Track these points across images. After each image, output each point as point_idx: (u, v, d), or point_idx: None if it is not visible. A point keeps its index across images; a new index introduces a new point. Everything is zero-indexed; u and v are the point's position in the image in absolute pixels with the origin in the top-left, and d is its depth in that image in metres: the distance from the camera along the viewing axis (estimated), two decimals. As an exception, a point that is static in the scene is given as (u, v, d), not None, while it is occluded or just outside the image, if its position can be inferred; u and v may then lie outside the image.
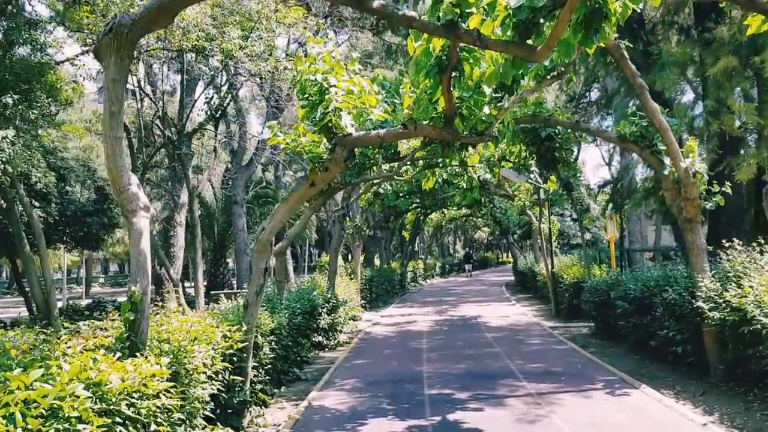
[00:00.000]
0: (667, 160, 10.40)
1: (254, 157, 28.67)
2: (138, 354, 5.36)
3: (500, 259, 76.16)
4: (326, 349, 14.65)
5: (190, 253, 19.76)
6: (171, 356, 5.62)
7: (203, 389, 6.16)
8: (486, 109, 8.43)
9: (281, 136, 8.37)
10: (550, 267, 19.59)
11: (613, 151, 58.03)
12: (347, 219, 23.69)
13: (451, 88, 8.01)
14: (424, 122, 8.46)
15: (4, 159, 12.45)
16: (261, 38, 15.13)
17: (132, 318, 5.51)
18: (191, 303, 18.96)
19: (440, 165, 19.57)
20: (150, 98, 16.35)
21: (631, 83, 9.81)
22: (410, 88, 8.96)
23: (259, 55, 15.10)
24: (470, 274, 49.04)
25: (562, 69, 8.83)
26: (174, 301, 16.76)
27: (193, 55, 16.12)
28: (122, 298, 30.31)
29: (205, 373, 6.25)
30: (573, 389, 9.60)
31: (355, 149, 9.56)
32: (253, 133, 29.82)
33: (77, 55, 17.66)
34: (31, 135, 14.14)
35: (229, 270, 36.71)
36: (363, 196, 25.04)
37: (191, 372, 5.86)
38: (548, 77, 9.04)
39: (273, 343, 10.12)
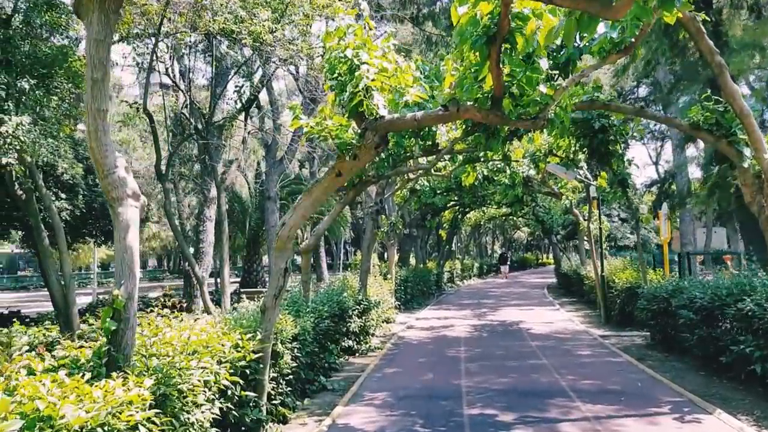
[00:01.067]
0: (747, 151, 9.07)
1: (287, 154, 27.85)
2: (118, 373, 4.38)
3: (540, 261, 74.23)
4: (357, 355, 13.63)
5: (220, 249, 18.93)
6: (159, 374, 4.62)
7: (203, 413, 5.15)
8: (541, 88, 7.25)
9: (304, 119, 7.33)
10: (600, 270, 18.20)
11: (661, 149, 55.94)
12: (381, 215, 22.66)
13: (501, 64, 6.91)
14: (468, 103, 7.33)
15: (17, 147, 11.72)
16: (293, 22, 14.19)
17: (113, 328, 4.53)
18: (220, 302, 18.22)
19: (481, 159, 18.43)
20: (176, 85, 15.54)
21: (709, 61, 8.51)
22: (452, 65, 7.85)
23: (290, 41, 14.16)
24: (506, 277, 46.91)
25: (632, 41, 7.58)
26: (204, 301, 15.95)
27: (223, 41, 15.26)
28: (154, 294, 29.86)
29: (205, 392, 5.24)
30: (635, 413, 8.36)
31: (389, 135, 8.50)
32: (287, 127, 28.99)
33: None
34: (51, 123, 13.44)
35: (263, 267, 36.00)
36: (398, 192, 23.99)
37: (185, 393, 4.85)
38: (614, 53, 7.81)
39: (296, 351, 9.13)
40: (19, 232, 21.85)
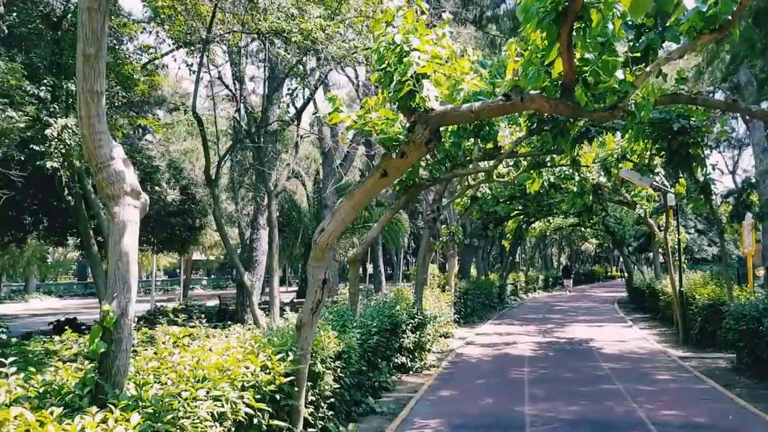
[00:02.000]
0: None
1: (344, 161, 27.26)
2: (108, 405, 3.61)
3: (609, 273, 71.28)
4: (410, 373, 12.69)
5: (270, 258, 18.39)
6: (155, 407, 3.84)
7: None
8: (619, 74, 6.19)
9: (345, 112, 6.50)
10: (678, 285, 16.66)
11: (738, 158, 52.72)
12: (440, 224, 21.68)
13: (573, 46, 5.94)
14: (534, 92, 6.36)
15: (63, 151, 11.40)
16: (346, 19, 13.49)
17: (102, 350, 3.78)
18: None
19: (548, 164, 17.23)
20: (228, 89, 15.08)
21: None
22: (515, 49, 6.89)
23: (344, 39, 13.45)
24: (570, 291, 43.55)
25: (728, 18, 6.42)
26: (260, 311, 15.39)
27: (276, 42, 14.71)
28: (212, 302, 29.72)
29: (215, 427, 4.43)
30: (731, 456, 7.12)
31: (443, 132, 7.59)
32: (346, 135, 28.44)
33: (165, 53, 16.77)
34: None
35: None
36: (458, 199, 22.95)
37: (187, 431, 4.05)
38: (706, 32, 6.66)
39: (339, 371, 8.29)
40: (76, 239, 21.97)
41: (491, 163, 11.26)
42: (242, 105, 14.52)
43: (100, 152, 3.99)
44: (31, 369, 4.24)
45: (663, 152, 14.71)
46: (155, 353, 5.03)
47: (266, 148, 14.38)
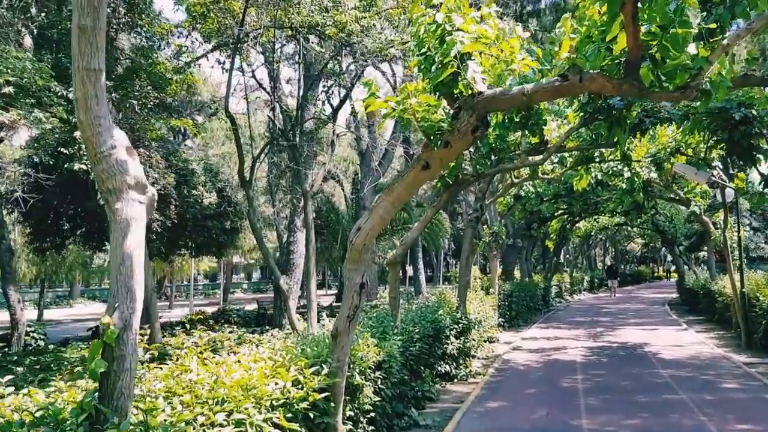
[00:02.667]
0: None
1: (383, 160, 26.70)
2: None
3: (655, 274, 69.11)
4: (455, 381, 12.00)
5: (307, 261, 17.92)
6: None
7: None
8: (691, 48, 5.45)
9: (381, 97, 5.89)
10: (739, 286, 15.58)
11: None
12: (483, 225, 20.92)
13: (638, 20, 5.26)
14: (593, 72, 5.66)
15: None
16: (382, 11, 12.92)
17: (103, 369, 3.24)
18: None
19: (596, 160, 16.36)
20: (262, 87, 14.66)
21: None
22: (571, 25, 6.20)
23: (380, 31, 12.87)
24: (615, 292, 39.61)
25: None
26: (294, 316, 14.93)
27: (310, 38, 14.22)
28: (251, 306, 29.47)
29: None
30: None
31: (489, 119, 6.93)
32: (384, 136, 27.91)
33: (200, 57, 16.47)
34: (134, 126, 12.83)
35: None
36: (501, 198, 22.16)
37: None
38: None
39: (380, 382, 7.69)
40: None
41: (538, 158, 10.50)
42: (277, 104, 14.05)
43: (99, 139, 3.48)
44: (34, 387, 3.75)
45: (722, 144, 13.78)
46: (169, 370, 4.49)
47: (302, 147, 13.88)
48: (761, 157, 13.07)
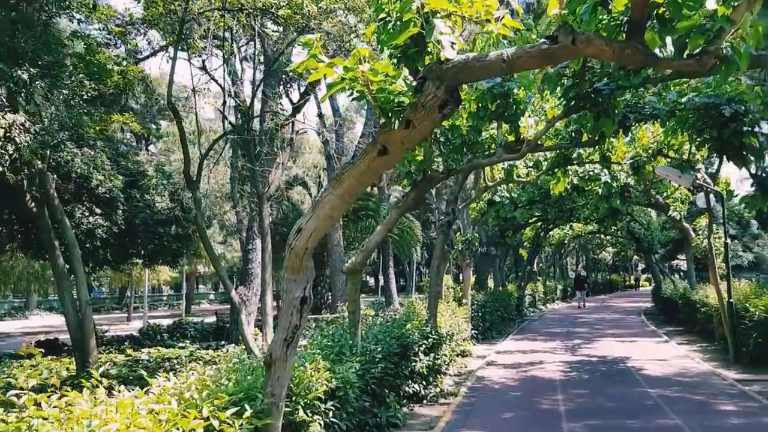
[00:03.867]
0: None
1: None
2: None
3: (627, 282, 68.82)
4: (424, 402, 10.81)
5: (275, 270, 16.61)
6: None
7: None
8: (710, 4, 4.38)
9: (325, 60, 4.68)
10: (727, 295, 14.66)
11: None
12: (455, 232, 19.86)
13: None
14: (589, 34, 4.55)
15: (11, 152, 9.67)
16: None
17: None
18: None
19: (574, 162, 15.39)
20: (211, 77, 13.39)
21: None
22: (560, -20, 5.10)
23: (343, 15, 11.70)
24: (583, 304, 35.46)
25: None
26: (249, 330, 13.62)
27: (266, 24, 12.98)
28: (210, 319, 27.89)
29: None
30: None
31: (462, 99, 5.81)
32: (354, 135, 26.77)
33: (148, 56, 15.16)
34: (62, 122, 11.41)
35: (328, 290, 33.75)
36: (474, 204, 21.14)
37: None
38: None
39: (332, 414, 6.46)
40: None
41: (515, 154, 9.39)
42: (230, 98, 12.80)
43: None
44: None
45: (708, 145, 12.88)
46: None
47: (254, 142, 12.62)
48: (754, 156, 12.18)
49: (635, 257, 75.51)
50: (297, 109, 14.08)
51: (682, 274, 30.46)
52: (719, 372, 12.97)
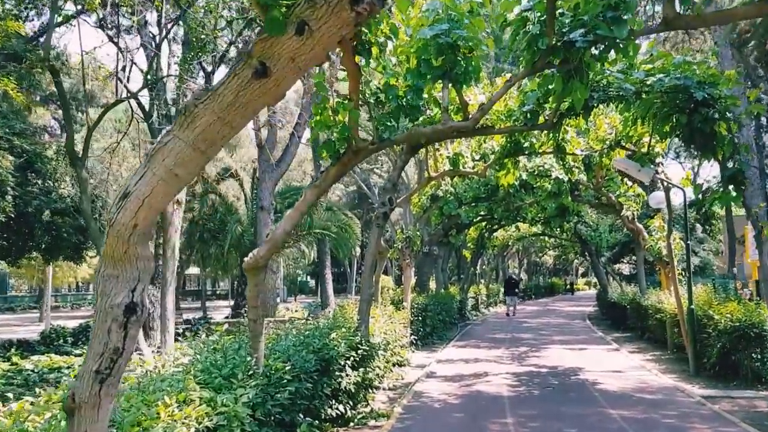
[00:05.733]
0: None
1: (284, 156, 23.52)
2: None
3: (568, 286, 68.79)
4: (351, 426, 9.06)
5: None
6: None
7: None
8: None
9: None
10: (688, 302, 13.43)
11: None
12: (395, 229, 18.20)
13: None
14: None
15: None
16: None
17: None
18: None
19: (526, 152, 13.92)
20: (110, 39, 11.26)
21: None
22: None
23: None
24: (513, 311, 31.29)
25: None
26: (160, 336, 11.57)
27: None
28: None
29: None
30: None
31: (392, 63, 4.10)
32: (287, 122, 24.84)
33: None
34: None
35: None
36: (416, 199, 19.53)
37: None
38: None
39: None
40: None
41: (465, 123, 7.69)
42: (127, 57, 10.72)
43: None
44: None
45: (678, 133, 11.58)
46: None
47: (158, 114, 10.60)
48: (724, 146, 10.91)
49: (575, 260, 75.95)
50: (208, 76, 12.07)
51: (620, 277, 29.57)
52: (682, 387, 11.65)
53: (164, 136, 3.01)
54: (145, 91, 11.34)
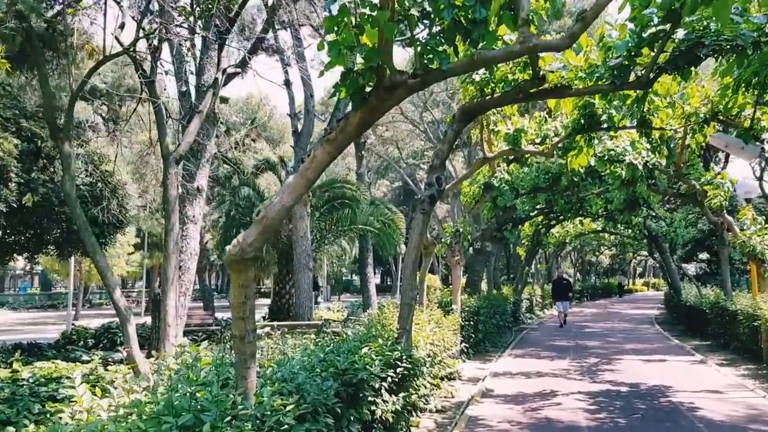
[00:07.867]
0: None
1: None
2: None
3: (626, 287, 65.09)
4: (388, 466, 7.02)
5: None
6: None
7: None
8: None
9: None
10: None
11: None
12: (443, 224, 16.06)
13: None
14: None
15: None
16: None
17: None
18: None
19: (604, 125, 11.61)
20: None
21: None
22: None
23: None
24: (564, 319, 25.32)
25: None
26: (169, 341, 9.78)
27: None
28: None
29: None
30: None
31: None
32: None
33: None
34: None
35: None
36: (466, 187, 17.38)
37: None
38: None
39: None
40: None
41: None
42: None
43: None
44: None
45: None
46: None
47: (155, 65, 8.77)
48: None
49: (632, 260, 72.00)
50: (253, 49, 10.14)
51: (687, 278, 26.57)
52: (807, 416, 9.23)
53: None
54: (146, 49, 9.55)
